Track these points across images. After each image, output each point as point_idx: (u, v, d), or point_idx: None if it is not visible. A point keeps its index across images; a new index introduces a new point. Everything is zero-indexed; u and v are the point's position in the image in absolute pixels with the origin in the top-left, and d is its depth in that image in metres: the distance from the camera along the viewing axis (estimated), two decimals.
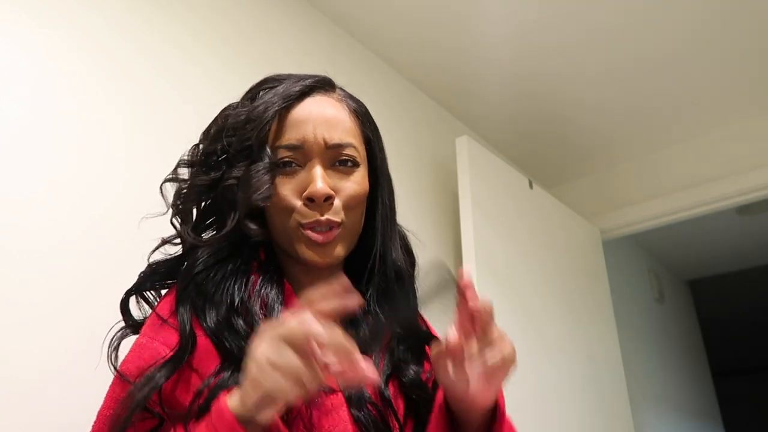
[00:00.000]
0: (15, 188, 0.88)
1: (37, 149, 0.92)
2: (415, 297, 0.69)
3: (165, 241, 0.67)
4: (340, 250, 0.65)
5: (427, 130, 1.94)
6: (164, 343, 0.57)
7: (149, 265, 0.67)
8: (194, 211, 0.67)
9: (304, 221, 0.63)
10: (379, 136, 0.75)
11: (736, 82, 1.95)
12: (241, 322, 0.58)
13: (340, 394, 0.58)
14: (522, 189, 1.90)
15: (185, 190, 0.67)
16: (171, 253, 0.67)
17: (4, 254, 0.84)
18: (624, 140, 2.27)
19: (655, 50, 1.80)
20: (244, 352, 0.51)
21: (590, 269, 2.15)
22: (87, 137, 1.00)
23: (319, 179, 0.63)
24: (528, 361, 1.60)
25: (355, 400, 0.59)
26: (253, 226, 0.64)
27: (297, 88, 0.67)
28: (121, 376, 0.57)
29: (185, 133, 1.15)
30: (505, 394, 0.64)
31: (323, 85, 0.70)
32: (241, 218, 0.63)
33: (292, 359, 0.45)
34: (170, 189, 0.69)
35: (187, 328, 0.57)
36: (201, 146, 0.70)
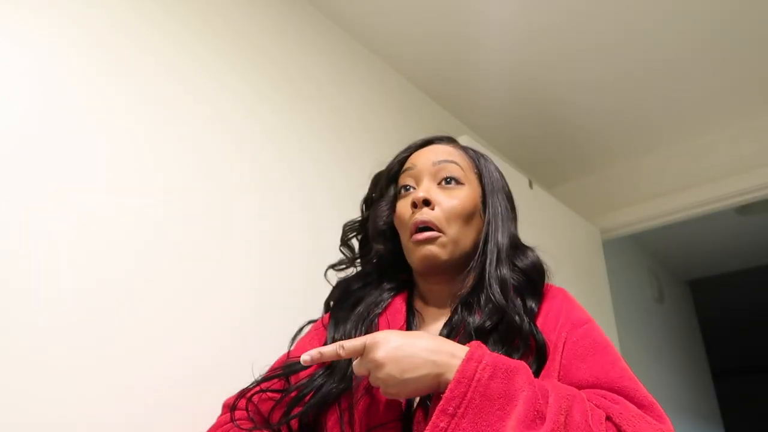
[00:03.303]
0: (18, 193, 0.88)
1: (42, 151, 0.92)
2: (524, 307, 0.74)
3: (331, 266, 0.88)
4: (439, 252, 0.75)
5: (427, 129, 1.94)
6: (317, 337, 0.79)
7: (336, 284, 0.87)
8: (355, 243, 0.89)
9: (410, 228, 0.77)
10: (491, 165, 0.87)
11: (735, 83, 1.95)
12: (361, 331, 0.74)
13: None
14: (522, 189, 1.90)
15: (347, 227, 0.89)
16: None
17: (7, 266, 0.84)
18: (624, 140, 2.27)
19: (655, 51, 1.80)
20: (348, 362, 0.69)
21: (590, 269, 2.15)
22: (91, 138, 1.00)
23: (421, 189, 0.78)
24: None
25: None
26: (379, 245, 0.82)
27: (419, 141, 0.87)
28: (288, 357, 0.79)
29: (192, 131, 1.16)
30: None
31: (438, 138, 0.88)
32: (372, 239, 0.82)
33: None
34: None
35: (331, 338, 0.75)
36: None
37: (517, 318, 0.70)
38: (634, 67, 1.87)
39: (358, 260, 0.87)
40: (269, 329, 1.11)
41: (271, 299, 1.18)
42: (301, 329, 0.84)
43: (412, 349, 0.59)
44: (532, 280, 0.77)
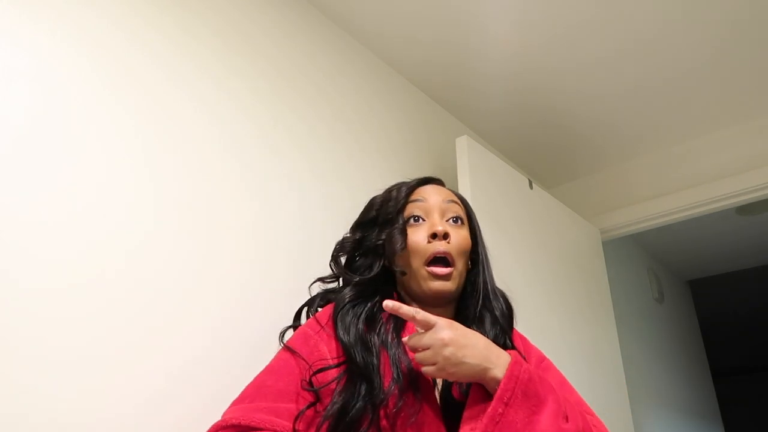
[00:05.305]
0: (15, 190, 0.88)
1: (42, 154, 0.92)
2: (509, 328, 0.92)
3: (320, 279, 0.97)
4: (450, 286, 0.87)
5: (427, 130, 1.94)
6: (321, 340, 0.81)
7: (318, 294, 0.95)
8: (345, 259, 0.96)
9: (427, 256, 0.87)
10: (474, 215, 1.02)
11: (735, 83, 1.95)
12: (374, 339, 0.79)
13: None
14: (522, 189, 1.90)
15: (341, 245, 0.96)
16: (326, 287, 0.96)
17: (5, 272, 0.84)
18: (624, 140, 2.27)
19: (655, 53, 1.80)
20: (369, 365, 0.74)
21: (590, 269, 2.15)
22: (84, 136, 1.00)
23: (439, 223, 0.90)
24: None
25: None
26: (398, 267, 0.90)
27: (420, 178, 1.01)
28: (288, 348, 0.81)
29: (186, 130, 1.16)
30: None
31: (436, 179, 1.04)
32: (389, 262, 0.90)
33: None
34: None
35: (351, 339, 0.78)
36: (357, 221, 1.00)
37: (509, 342, 0.87)
38: (636, 68, 1.87)
39: (347, 276, 0.93)
40: (255, 328, 1.11)
41: (258, 300, 1.16)
42: (283, 333, 0.88)
43: (474, 339, 0.71)
44: (509, 317, 0.93)
